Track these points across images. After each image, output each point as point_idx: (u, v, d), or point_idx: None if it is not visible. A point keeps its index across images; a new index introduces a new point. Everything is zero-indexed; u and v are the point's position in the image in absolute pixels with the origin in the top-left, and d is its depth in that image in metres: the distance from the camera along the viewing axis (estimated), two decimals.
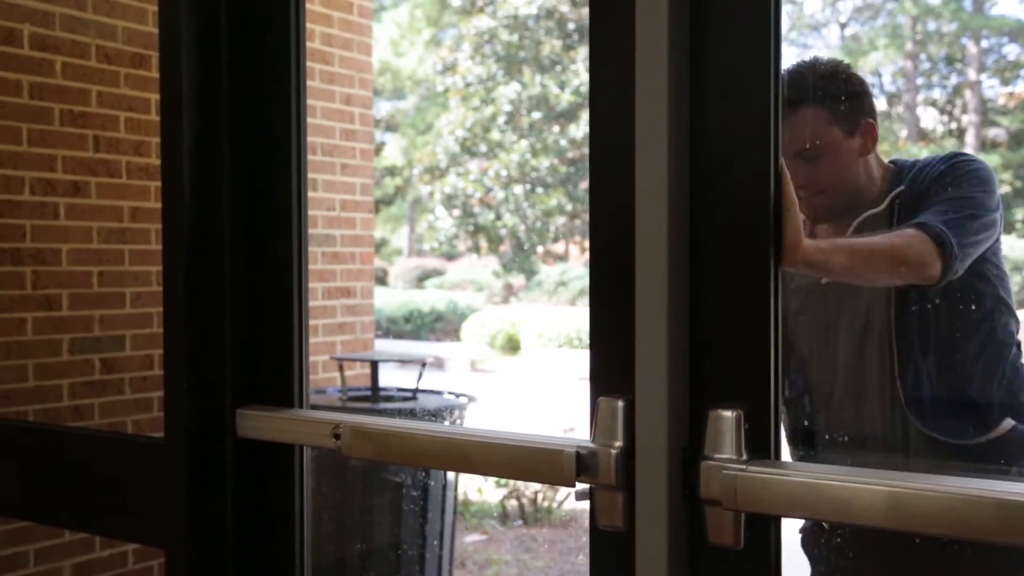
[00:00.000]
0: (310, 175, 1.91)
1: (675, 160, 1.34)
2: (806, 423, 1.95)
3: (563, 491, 6.47)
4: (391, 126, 24.20)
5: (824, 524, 1.92)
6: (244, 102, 1.90)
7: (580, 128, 18.37)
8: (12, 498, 2.09)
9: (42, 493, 2.05)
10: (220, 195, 1.91)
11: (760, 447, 1.32)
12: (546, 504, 6.34)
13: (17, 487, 2.07)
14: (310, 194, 1.92)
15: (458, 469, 1.81)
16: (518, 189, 19.09)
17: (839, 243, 1.71)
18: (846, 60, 2.05)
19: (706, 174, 1.36)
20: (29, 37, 3.10)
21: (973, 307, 1.82)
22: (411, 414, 3.90)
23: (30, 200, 3.13)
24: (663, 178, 1.33)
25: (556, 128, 19.03)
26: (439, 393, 4.27)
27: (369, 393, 4.10)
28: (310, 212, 1.91)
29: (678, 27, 1.34)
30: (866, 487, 1.21)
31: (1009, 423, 1.83)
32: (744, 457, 1.30)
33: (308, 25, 1.88)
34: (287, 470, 1.83)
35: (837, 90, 1.87)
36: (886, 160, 1.93)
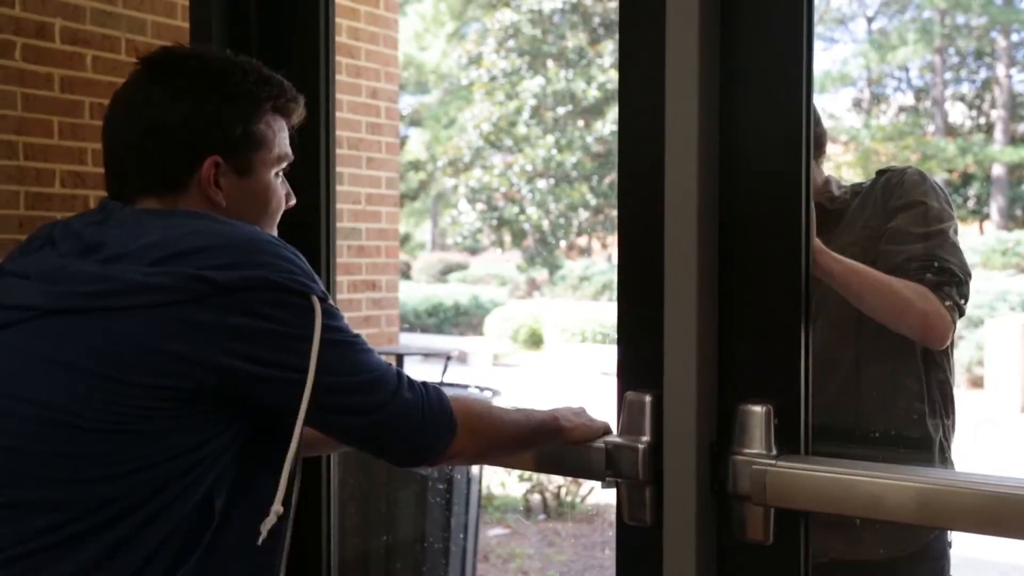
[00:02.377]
0: (336, 169, 1.92)
1: (705, 155, 1.34)
2: None
3: (587, 485, 6.47)
4: (415, 120, 24.22)
5: None
6: None
7: (606, 124, 18.34)
8: None
9: None
10: None
11: (790, 442, 1.31)
12: (569, 498, 6.33)
13: None
14: (336, 187, 1.92)
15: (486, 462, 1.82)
16: (542, 183, 19.06)
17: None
18: None
19: (736, 168, 1.35)
20: (60, 31, 3.12)
21: None
22: None
23: (61, 193, 3.16)
24: (693, 173, 1.33)
25: (581, 123, 18.99)
26: (463, 387, 4.28)
27: None
28: (336, 205, 1.91)
29: (709, 23, 1.34)
30: (897, 483, 1.20)
31: None
32: (774, 452, 1.30)
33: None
34: (313, 463, 1.84)
35: None
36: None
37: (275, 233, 1.40)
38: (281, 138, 1.37)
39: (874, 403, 1.87)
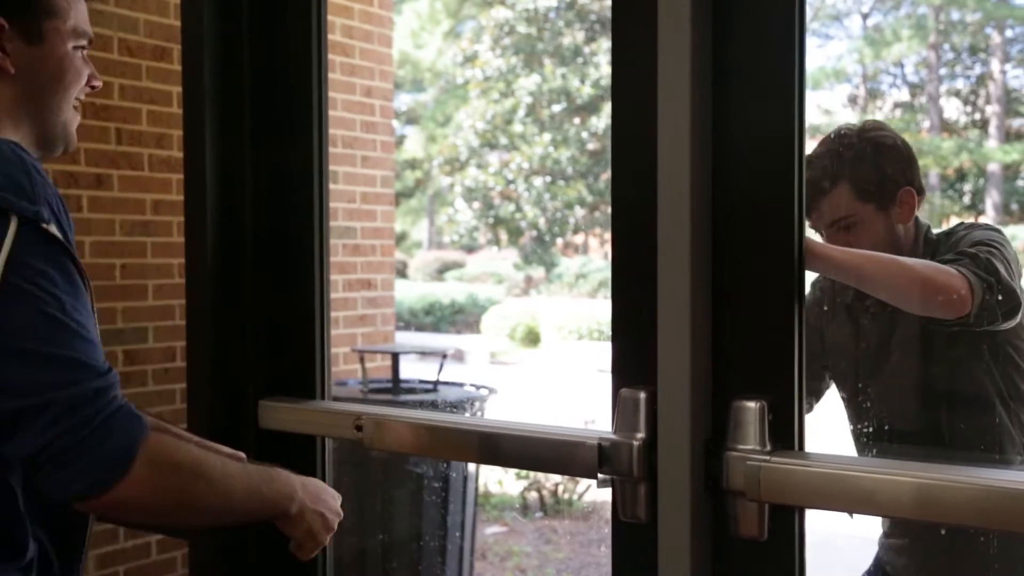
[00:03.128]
0: (331, 167, 1.91)
1: (698, 152, 1.33)
2: None
3: (584, 483, 6.47)
4: (411, 118, 24.22)
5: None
6: (266, 95, 1.91)
7: (601, 120, 18.35)
8: None
9: None
10: (243, 188, 1.91)
11: (784, 438, 1.31)
12: (567, 496, 6.34)
13: None
14: (331, 186, 1.92)
15: (480, 461, 1.82)
16: (538, 181, 19.08)
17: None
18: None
19: (729, 165, 1.35)
20: None
21: None
22: (432, 406, 3.90)
23: None
24: (685, 169, 1.32)
25: (577, 120, 19.00)
26: (460, 385, 4.27)
27: (390, 385, 4.10)
28: (331, 204, 1.91)
29: (701, 19, 1.33)
30: (891, 478, 1.20)
31: None
32: (768, 448, 1.30)
33: (329, 17, 1.89)
34: (308, 461, 1.84)
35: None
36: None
37: (77, 116, 1.35)
38: (78, 11, 1.32)
39: (950, 410, 1.84)
